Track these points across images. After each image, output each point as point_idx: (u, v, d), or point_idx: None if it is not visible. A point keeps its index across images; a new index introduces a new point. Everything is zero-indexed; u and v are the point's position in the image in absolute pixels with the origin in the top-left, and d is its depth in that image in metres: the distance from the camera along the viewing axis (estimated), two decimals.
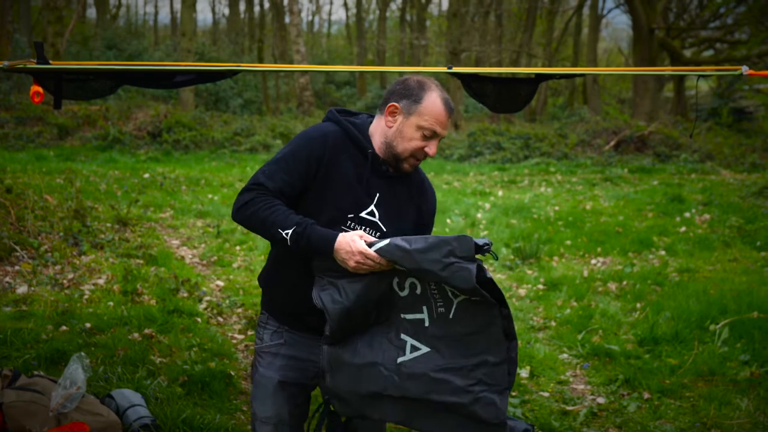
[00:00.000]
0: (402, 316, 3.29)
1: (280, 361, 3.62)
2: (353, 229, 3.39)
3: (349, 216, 3.42)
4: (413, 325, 3.27)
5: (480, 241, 3.13)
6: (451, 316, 3.20)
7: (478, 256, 3.16)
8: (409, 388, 3.26)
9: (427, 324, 3.24)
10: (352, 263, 3.15)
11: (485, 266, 3.19)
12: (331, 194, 3.37)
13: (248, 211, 3.31)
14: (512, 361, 3.25)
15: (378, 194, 3.46)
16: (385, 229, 3.47)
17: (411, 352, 3.26)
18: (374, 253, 3.12)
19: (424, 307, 3.24)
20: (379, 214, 3.46)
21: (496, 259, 3.41)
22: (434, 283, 3.21)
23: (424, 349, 3.25)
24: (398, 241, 3.12)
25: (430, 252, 3.06)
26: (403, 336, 3.28)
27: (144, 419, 5.09)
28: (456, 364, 3.21)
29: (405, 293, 3.26)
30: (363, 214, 3.43)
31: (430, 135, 3.40)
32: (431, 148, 3.42)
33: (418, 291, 3.23)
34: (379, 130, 3.49)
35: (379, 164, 3.47)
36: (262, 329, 3.69)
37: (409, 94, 3.41)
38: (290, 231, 3.21)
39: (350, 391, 3.36)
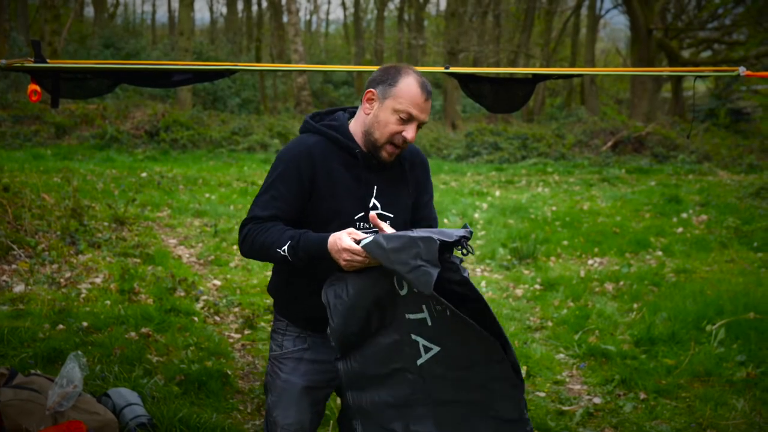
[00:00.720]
0: (407, 316, 3.18)
1: (305, 366, 3.60)
2: (362, 228, 3.39)
3: (356, 217, 3.42)
4: (419, 324, 3.16)
5: (454, 234, 3.03)
6: (448, 313, 3.06)
7: (456, 253, 3.11)
8: (435, 391, 3.19)
9: (429, 323, 3.13)
10: (342, 262, 3.13)
11: (462, 265, 3.11)
12: (334, 203, 3.36)
13: (248, 243, 3.36)
14: (512, 361, 3.12)
15: (376, 186, 3.45)
16: (392, 215, 3.48)
17: (425, 353, 3.17)
18: (359, 249, 3.07)
19: (424, 306, 3.12)
20: (381, 204, 3.45)
21: (471, 253, 3.18)
22: None
23: (436, 348, 3.15)
24: (380, 238, 3.03)
25: (402, 252, 2.95)
26: (413, 337, 3.18)
27: (140, 418, 5.09)
28: (467, 361, 3.12)
29: (404, 292, 3.15)
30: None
31: (407, 118, 3.32)
32: (409, 132, 3.34)
33: (416, 290, 3.08)
34: (359, 122, 3.46)
35: (369, 159, 3.43)
36: (281, 336, 3.65)
37: (385, 78, 3.36)
38: (286, 247, 3.22)
39: (376, 403, 3.30)
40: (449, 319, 3.07)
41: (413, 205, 3.64)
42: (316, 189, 3.37)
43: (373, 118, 3.38)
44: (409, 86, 3.32)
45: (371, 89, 3.39)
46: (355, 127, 3.49)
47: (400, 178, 3.55)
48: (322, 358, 3.59)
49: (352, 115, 3.58)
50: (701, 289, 8.95)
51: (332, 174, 3.39)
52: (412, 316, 3.17)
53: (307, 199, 3.37)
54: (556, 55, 43.80)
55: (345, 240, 3.10)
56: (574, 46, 43.50)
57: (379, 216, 3.43)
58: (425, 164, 3.70)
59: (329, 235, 3.16)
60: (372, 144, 3.39)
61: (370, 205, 3.44)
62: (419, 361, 3.19)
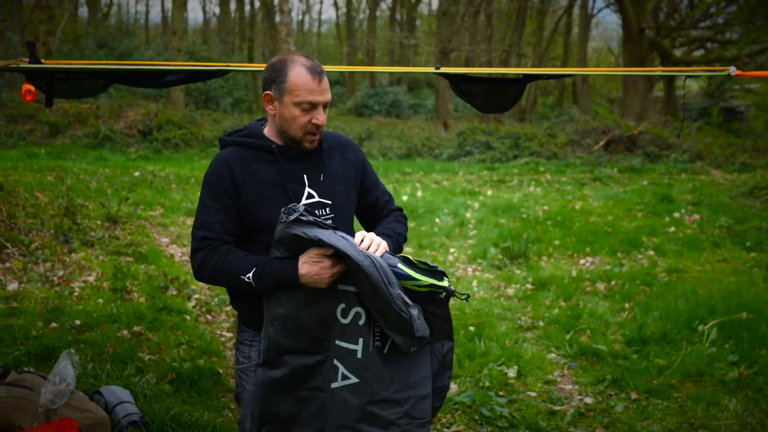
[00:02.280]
0: (337, 342, 3.22)
1: None
2: (322, 216, 3.39)
3: (302, 204, 3.37)
4: (347, 354, 3.22)
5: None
6: (385, 351, 3.21)
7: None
8: (342, 414, 3.22)
9: (359, 356, 3.20)
10: (326, 280, 3.17)
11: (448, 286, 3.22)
12: (264, 203, 3.35)
13: (207, 270, 3.34)
14: (439, 392, 3.38)
15: (305, 175, 3.43)
16: (330, 202, 3.46)
17: (342, 380, 3.22)
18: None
19: (360, 339, 3.20)
20: (318, 193, 3.43)
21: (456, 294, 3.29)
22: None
23: (353, 380, 3.21)
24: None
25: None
26: (335, 362, 3.23)
27: (132, 416, 5.10)
28: (385, 397, 3.22)
29: (346, 321, 3.21)
30: (304, 202, 3.39)
31: (309, 107, 3.33)
32: (318, 118, 3.34)
33: (361, 322, 3.19)
34: (271, 123, 3.48)
35: (287, 151, 3.43)
36: (247, 348, 3.58)
37: (276, 76, 3.36)
38: (251, 274, 3.22)
39: (291, 415, 3.31)
40: (384, 355, 3.23)
41: (361, 188, 3.64)
42: (242, 193, 3.36)
43: (280, 118, 3.38)
44: (298, 76, 3.32)
45: (267, 91, 3.39)
46: (270, 129, 3.49)
47: (330, 162, 3.54)
48: None
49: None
50: (693, 288, 8.95)
51: (255, 175, 3.39)
52: (342, 344, 3.23)
53: (237, 206, 3.35)
54: (548, 54, 43.86)
55: (325, 262, 3.17)
56: (566, 45, 43.60)
57: (317, 204, 3.42)
58: (350, 145, 3.70)
59: (297, 262, 3.19)
60: (291, 140, 3.40)
61: (306, 195, 3.41)
62: (333, 385, 3.24)
